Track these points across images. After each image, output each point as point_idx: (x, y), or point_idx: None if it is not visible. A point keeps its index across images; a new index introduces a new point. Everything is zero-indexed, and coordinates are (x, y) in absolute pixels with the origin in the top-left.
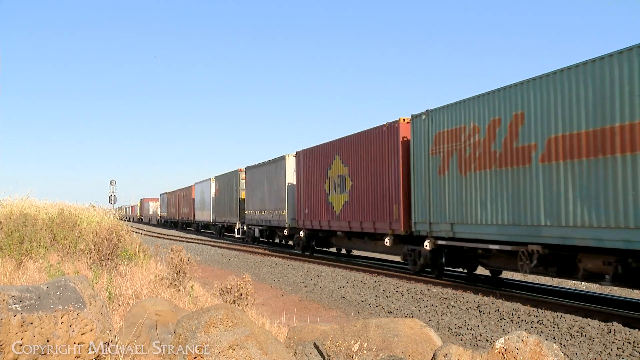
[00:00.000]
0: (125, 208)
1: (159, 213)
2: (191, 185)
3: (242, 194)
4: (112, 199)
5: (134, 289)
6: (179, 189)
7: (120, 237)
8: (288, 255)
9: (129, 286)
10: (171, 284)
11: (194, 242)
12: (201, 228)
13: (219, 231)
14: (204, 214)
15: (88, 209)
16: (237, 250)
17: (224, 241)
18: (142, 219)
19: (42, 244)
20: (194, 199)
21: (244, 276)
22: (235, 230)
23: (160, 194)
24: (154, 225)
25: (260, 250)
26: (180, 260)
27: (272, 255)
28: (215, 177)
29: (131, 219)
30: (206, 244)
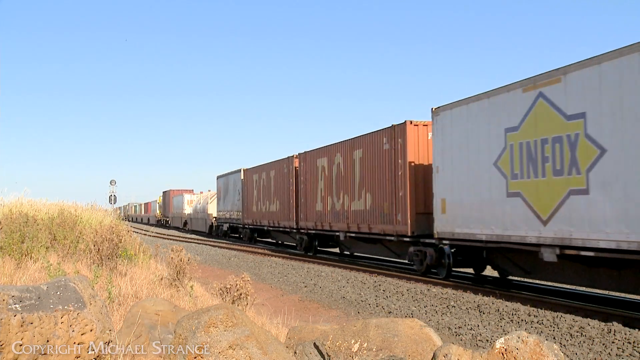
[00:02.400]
0: (134, 207)
1: (212, 212)
2: (392, 127)
3: None
4: (112, 199)
5: (134, 289)
6: (300, 154)
7: (120, 237)
8: (288, 255)
9: (129, 286)
10: (171, 284)
11: (194, 242)
12: (452, 262)
13: None
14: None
15: (88, 209)
16: (237, 250)
17: (224, 241)
18: (167, 222)
19: (42, 244)
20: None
21: (243, 276)
22: None
23: (219, 177)
24: (199, 233)
25: (260, 250)
26: (180, 260)
27: (272, 256)
28: None
29: (143, 221)
30: (206, 244)
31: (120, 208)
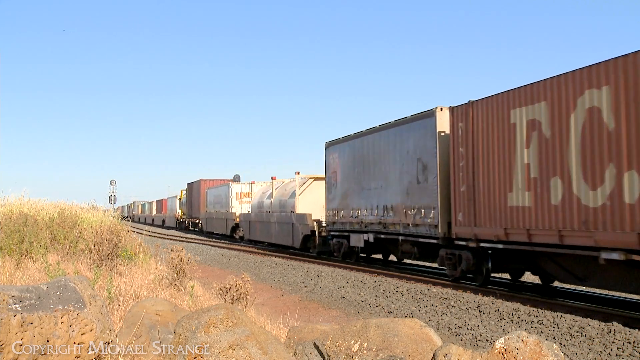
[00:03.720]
0: (141, 205)
1: (308, 212)
2: None
3: None
4: (112, 199)
5: (134, 289)
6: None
7: (120, 237)
8: (288, 255)
9: (129, 286)
10: (171, 283)
11: (194, 242)
12: None
13: None
14: None
15: (88, 209)
16: (237, 250)
17: (224, 241)
18: (196, 225)
19: (42, 244)
20: None
21: (243, 276)
22: None
23: (330, 144)
24: (266, 246)
25: (260, 250)
26: (181, 260)
27: (272, 255)
28: None
29: (155, 222)
30: (206, 244)
31: (122, 207)
